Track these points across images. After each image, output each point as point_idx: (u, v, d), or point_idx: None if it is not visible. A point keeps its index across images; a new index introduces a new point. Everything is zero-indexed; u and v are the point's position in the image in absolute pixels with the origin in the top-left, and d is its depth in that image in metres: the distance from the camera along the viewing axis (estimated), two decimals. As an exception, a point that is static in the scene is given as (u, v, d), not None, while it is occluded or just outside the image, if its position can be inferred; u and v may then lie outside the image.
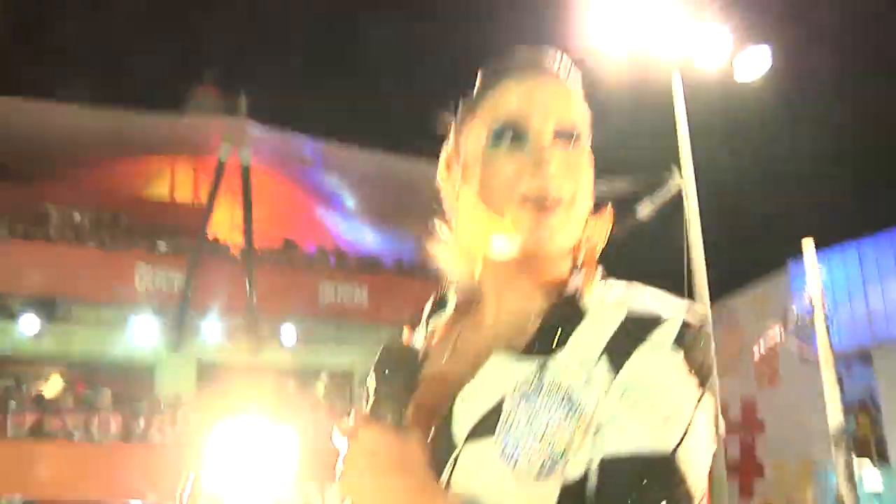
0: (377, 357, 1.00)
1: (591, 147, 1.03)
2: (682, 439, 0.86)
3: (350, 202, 17.10)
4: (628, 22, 10.74)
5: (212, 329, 13.17)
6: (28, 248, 12.69)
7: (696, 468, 0.87)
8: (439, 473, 0.91)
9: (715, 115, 13.33)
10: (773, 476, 13.79)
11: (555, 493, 0.87)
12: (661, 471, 0.85)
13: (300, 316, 13.74)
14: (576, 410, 0.88)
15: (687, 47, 11.21)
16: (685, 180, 11.26)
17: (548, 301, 0.98)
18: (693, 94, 11.57)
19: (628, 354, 0.89)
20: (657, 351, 0.89)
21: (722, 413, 14.13)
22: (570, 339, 0.93)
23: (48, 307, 12.10)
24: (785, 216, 17.02)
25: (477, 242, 1.02)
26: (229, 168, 12.76)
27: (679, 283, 11.25)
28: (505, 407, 0.90)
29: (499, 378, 0.93)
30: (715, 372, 0.94)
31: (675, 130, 11.54)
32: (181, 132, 13.96)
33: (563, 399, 0.89)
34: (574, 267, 1.02)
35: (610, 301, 0.95)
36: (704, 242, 11.42)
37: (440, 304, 1.16)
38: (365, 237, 17.68)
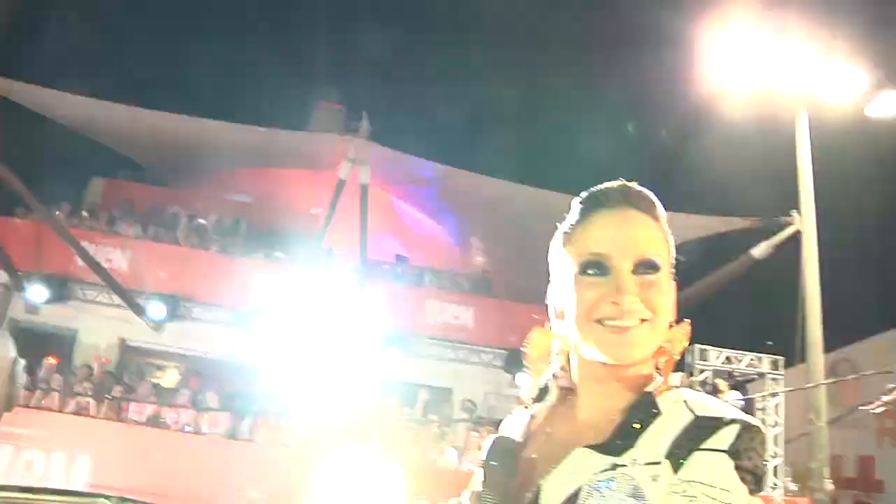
0: (486, 449, 1.21)
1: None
2: None
3: (464, 225, 17.32)
4: (756, 59, 10.53)
5: (319, 338, 13.51)
6: (157, 249, 13.56)
7: None
8: None
9: (846, 157, 12.83)
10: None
11: None
12: None
13: (405, 331, 13.96)
14: (643, 502, 1.04)
15: (816, 85, 10.89)
16: (805, 222, 10.88)
17: (630, 400, 1.16)
18: (821, 136, 11.19)
19: (689, 456, 1.05)
20: (713, 456, 1.04)
21: (836, 467, 13.46)
22: (642, 438, 1.10)
23: (171, 304, 12.80)
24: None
25: (574, 348, 1.22)
26: (348, 184, 13.19)
27: (792, 327, 10.86)
28: (581, 495, 1.08)
29: (579, 469, 1.11)
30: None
31: (798, 171, 11.19)
32: (306, 148, 14.56)
33: (632, 491, 1.05)
34: (656, 370, 1.19)
35: (680, 405, 1.12)
36: (828, 288, 10.96)
37: (543, 392, 1.33)
38: (476, 260, 17.85)
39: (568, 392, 1.25)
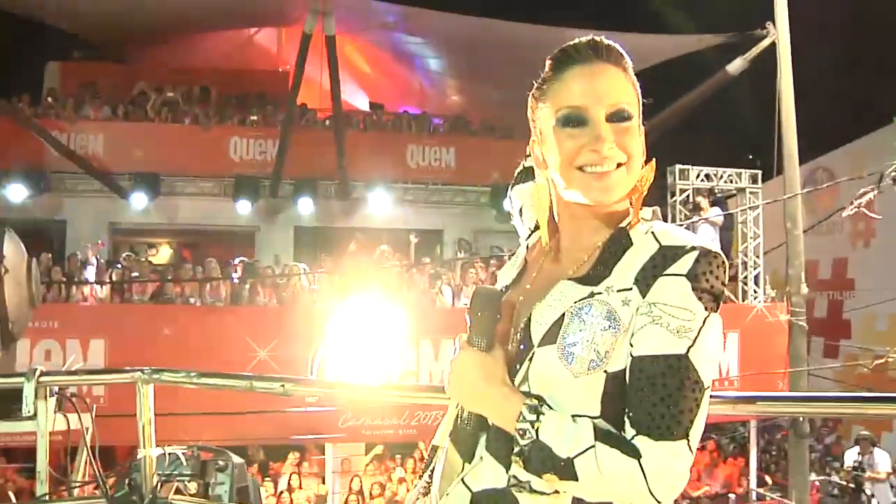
0: (470, 299, 1.35)
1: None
2: (692, 345, 1.18)
3: (435, 65, 16.94)
4: None
5: (305, 195, 13.66)
6: (130, 128, 13.37)
7: (705, 365, 1.19)
8: (521, 365, 1.28)
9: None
10: (860, 335, 13.77)
11: (601, 382, 1.22)
12: (677, 366, 1.18)
13: (389, 178, 14.08)
14: (616, 323, 1.22)
15: None
16: (780, 35, 10.69)
17: (607, 235, 1.31)
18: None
19: (654, 282, 1.21)
20: (674, 280, 1.21)
21: (811, 271, 14.09)
22: (616, 268, 1.26)
23: (152, 182, 12.82)
24: (891, 73, 15.89)
25: (556, 193, 1.36)
26: (314, 38, 12.78)
27: (770, 141, 10.97)
28: (565, 321, 1.25)
29: (562, 299, 1.28)
30: (724, 292, 1.24)
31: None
32: (268, 4, 13.98)
33: (607, 314, 1.22)
34: (629, 207, 1.33)
35: (648, 236, 1.27)
36: (805, 99, 10.96)
37: (535, 229, 1.49)
38: (452, 100, 17.63)
39: (554, 232, 1.40)
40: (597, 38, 1.31)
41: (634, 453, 1.16)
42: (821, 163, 14.63)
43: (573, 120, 1.28)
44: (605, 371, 1.22)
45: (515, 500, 1.26)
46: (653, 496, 1.16)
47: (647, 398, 1.18)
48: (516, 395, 1.25)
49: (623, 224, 1.31)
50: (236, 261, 12.08)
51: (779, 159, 10.89)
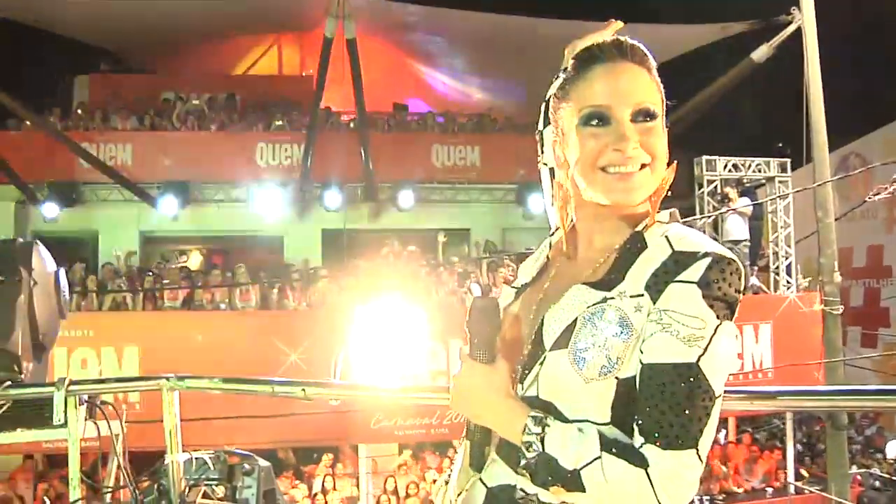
0: (469, 312, 1.33)
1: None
2: (702, 353, 1.16)
3: (458, 64, 16.93)
4: None
5: (332, 198, 13.73)
6: (157, 137, 13.58)
7: (716, 374, 1.17)
8: (531, 370, 1.27)
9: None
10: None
11: (612, 388, 1.20)
12: (686, 374, 1.16)
13: (416, 179, 14.10)
14: (629, 329, 1.20)
15: None
16: (805, 20, 10.50)
17: (626, 238, 1.29)
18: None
19: (664, 288, 1.19)
20: (685, 287, 1.18)
21: (846, 260, 13.83)
22: (630, 273, 1.24)
23: (182, 190, 12.98)
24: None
25: (575, 193, 1.34)
26: (336, 41, 12.85)
27: (800, 128, 10.77)
28: (577, 325, 1.23)
29: (575, 303, 1.26)
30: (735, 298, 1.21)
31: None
32: (284, 9, 14.08)
33: (619, 320, 1.20)
34: (649, 210, 1.30)
35: (662, 240, 1.25)
36: (834, 84, 10.75)
37: (555, 232, 1.49)
38: (474, 97, 17.60)
39: (573, 232, 1.40)
40: (621, 38, 1.30)
41: (642, 462, 1.15)
42: (853, 149, 14.37)
43: (597, 119, 1.26)
44: (617, 377, 1.21)
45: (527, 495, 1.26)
46: None
47: (655, 406, 1.16)
48: (521, 408, 1.25)
49: (640, 227, 1.29)
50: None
51: (808, 147, 10.70)
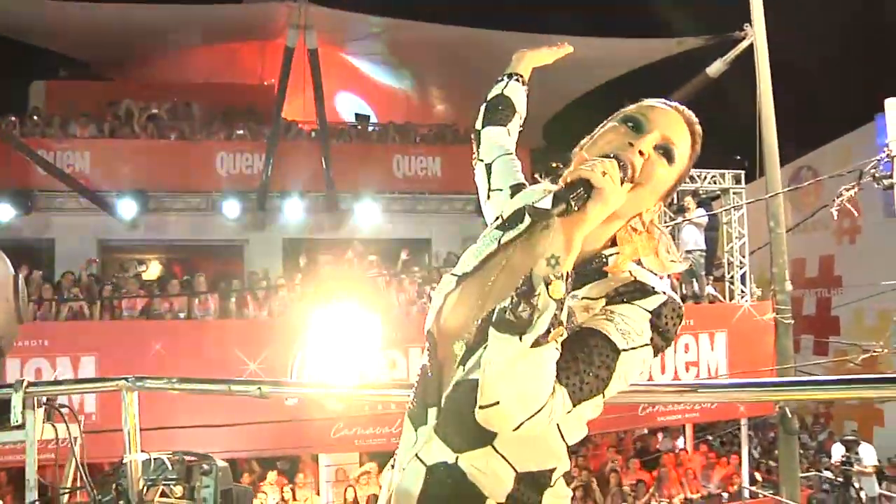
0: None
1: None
2: (626, 350, 1.28)
3: (421, 75, 17.02)
4: None
5: (293, 207, 13.69)
6: (116, 146, 13.40)
7: (622, 374, 1.29)
8: (476, 352, 1.34)
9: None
10: (849, 331, 13.84)
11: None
12: (607, 350, 1.27)
13: (377, 189, 14.12)
14: (571, 319, 1.28)
15: None
16: (757, 36, 10.80)
17: (587, 256, 1.37)
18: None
19: (619, 302, 1.32)
20: (638, 309, 1.31)
21: (799, 270, 14.19)
22: (585, 288, 1.35)
23: (141, 198, 12.84)
24: (874, 68, 16.02)
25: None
26: (297, 51, 12.86)
27: (752, 141, 11.05)
28: None
29: None
30: (675, 333, 1.35)
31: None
32: (248, 19, 14.07)
33: (567, 312, 1.26)
34: (612, 244, 1.41)
35: (624, 272, 1.37)
36: (787, 99, 11.06)
37: (517, 218, 1.55)
38: (436, 109, 17.71)
39: (537, 223, 1.42)
40: (689, 111, 1.43)
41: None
42: (806, 161, 14.75)
43: (632, 123, 1.37)
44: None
45: (464, 474, 1.34)
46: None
47: (569, 350, 1.25)
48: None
49: (608, 252, 1.39)
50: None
51: (761, 159, 10.99)
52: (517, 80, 2.00)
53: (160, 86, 15.14)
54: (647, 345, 1.30)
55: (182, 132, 13.98)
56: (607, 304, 1.32)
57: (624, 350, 1.28)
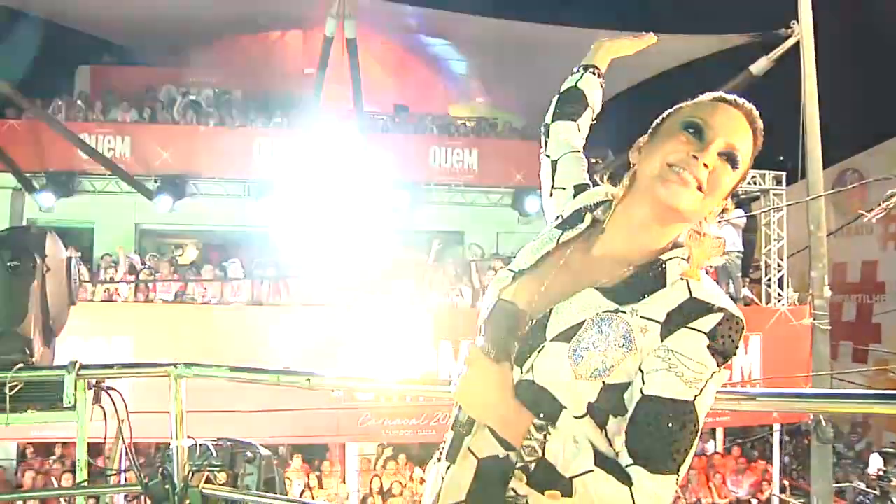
0: (491, 311, 1.41)
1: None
2: (698, 394, 1.27)
3: (459, 67, 16.95)
4: None
5: (329, 197, 13.70)
6: (156, 130, 13.58)
7: (704, 411, 1.28)
8: (529, 355, 1.34)
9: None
10: (891, 340, 13.49)
11: (596, 390, 1.29)
12: (683, 410, 1.26)
13: (412, 180, 14.10)
14: (630, 344, 1.28)
15: None
16: (804, 34, 10.53)
17: (644, 260, 1.36)
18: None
19: (676, 330, 1.27)
20: (695, 335, 1.27)
21: (840, 275, 13.86)
22: (645, 298, 1.31)
23: (179, 184, 12.99)
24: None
25: (625, 191, 1.42)
26: (336, 40, 12.88)
27: (796, 141, 10.79)
28: (584, 326, 1.30)
29: (587, 306, 1.33)
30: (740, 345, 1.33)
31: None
32: (290, 7, 14.11)
33: (624, 333, 1.28)
34: (674, 246, 1.38)
35: (682, 283, 1.33)
36: (834, 99, 10.78)
37: (576, 218, 1.54)
38: (475, 101, 17.62)
39: (596, 224, 1.47)
40: (747, 103, 1.40)
41: (628, 481, 1.24)
42: (851, 164, 14.38)
43: (693, 129, 1.35)
44: (604, 382, 1.29)
45: (514, 467, 1.33)
46: None
47: (649, 434, 1.26)
48: (526, 412, 1.31)
49: (665, 256, 1.36)
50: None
51: (803, 160, 10.73)
52: (593, 72, 1.91)
53: (201, 72, 15.27)
54: (714, 373, 1.29)
55: (221, 118, 14.10)
56: (662, 330, 1.29)
57: (697, 396, 1.28)
